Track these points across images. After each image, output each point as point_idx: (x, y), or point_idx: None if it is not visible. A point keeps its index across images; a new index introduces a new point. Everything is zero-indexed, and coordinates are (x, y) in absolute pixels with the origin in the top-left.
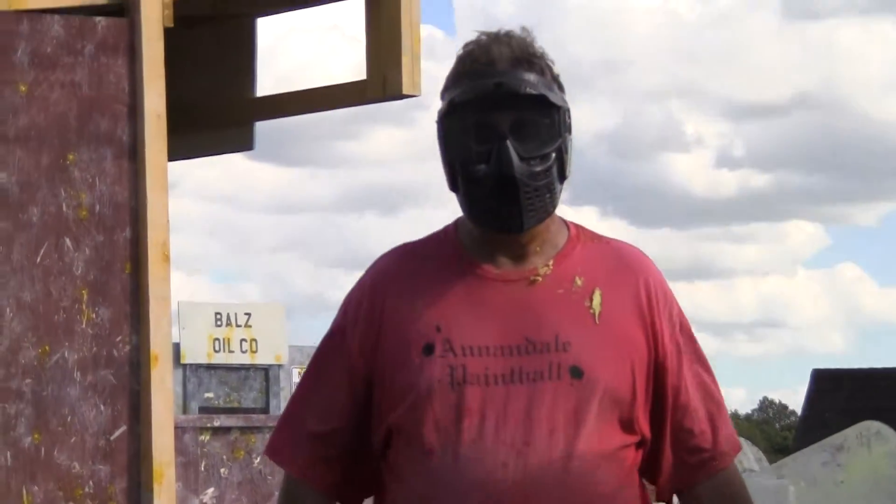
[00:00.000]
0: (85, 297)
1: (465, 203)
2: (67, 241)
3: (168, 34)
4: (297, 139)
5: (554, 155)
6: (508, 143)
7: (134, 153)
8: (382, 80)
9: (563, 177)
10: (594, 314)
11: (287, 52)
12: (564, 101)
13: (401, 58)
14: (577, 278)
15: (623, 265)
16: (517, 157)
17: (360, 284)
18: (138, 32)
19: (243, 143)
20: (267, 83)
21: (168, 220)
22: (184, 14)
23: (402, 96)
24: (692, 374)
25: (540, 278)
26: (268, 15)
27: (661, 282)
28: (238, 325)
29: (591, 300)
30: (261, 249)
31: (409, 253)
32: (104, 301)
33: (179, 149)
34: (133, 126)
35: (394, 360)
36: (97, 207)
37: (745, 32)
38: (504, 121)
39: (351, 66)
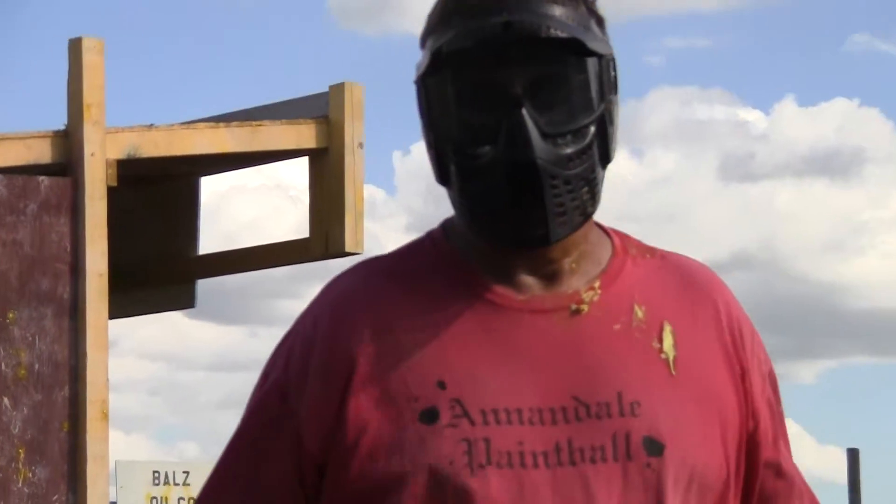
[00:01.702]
0: (22, 455)
1: (462, 203)
2: (5, 399)
3: (111, 193)
4: (239, 297)
5: (593, 129)
6: (525, 112)
7: (75, 311)
8: (325, 239)
9: (605, 160)
10: (668, 360)
11: (230, 211)
12: (609, 47)
13: (344, 216)
14: (636, 308)
15: (692, 287)
16: (539, 133)
17: (309, 319)
18: (81, 192)
19: (185, 301)
20: (209, 242)
21: (107, 379)
22: (128, 173)
23: (344, 254)
24: (787, 448)
25: (586, 307)
26: (211, 174)
27: (742, 311)
28: (176, 484)
29: (661, 339)
30: (201, 407)
31: (380, 272)
32: (41, 460)
33: (121, 307)
34: (74, 285)
35: (372, 436)
36: (36, 366)
37: (685, 194)
38: (518, 79)
39: (293, 224)
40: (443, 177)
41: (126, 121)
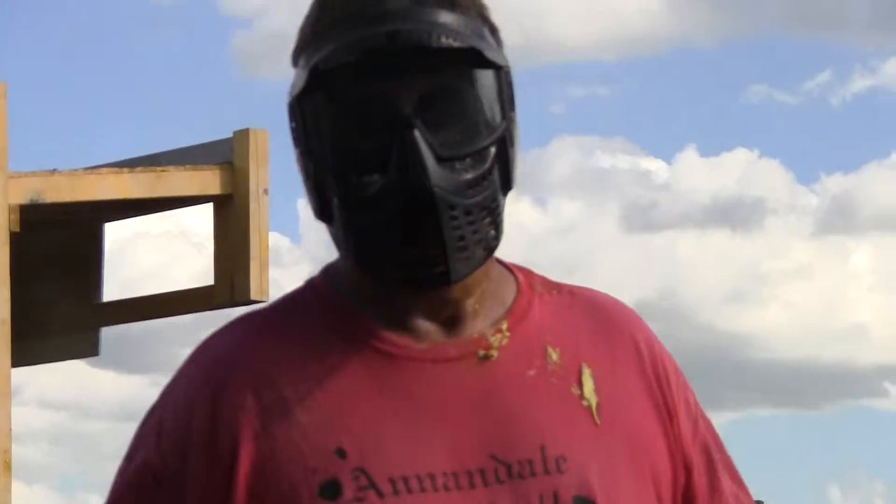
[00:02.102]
0: None
1: (347, 240)
2: None
3: (14, 239)
4: (143, 346)
5: (493, 151)
6: (417, 133)
7: None
8: (230, 286)
9: (507, 187)
10: (590, 407)
11: (134, 258)
12: (505, 59)
13: (249, 263)
14: (550, 350)
15: (608, 324)
16: (434, 157)
17: (181, 388)
18: None
19: (89, 349)
20: (113, 289)
21: (10, 428)
22: (31, 219)
23: (249, 302)
24: (732, 497)
25: (495, 353)
26: (115, 220)
27: (663, 347)
28: None
29: (581, 384)
30: (105, 457)
31: (257, 327)
32: None
33: (23, 355)
34: None
35: None
36: None
37: (588, 243)
38: (407, 97)
39: (198, 272)
40: (323, 211)
41: (29, 165)
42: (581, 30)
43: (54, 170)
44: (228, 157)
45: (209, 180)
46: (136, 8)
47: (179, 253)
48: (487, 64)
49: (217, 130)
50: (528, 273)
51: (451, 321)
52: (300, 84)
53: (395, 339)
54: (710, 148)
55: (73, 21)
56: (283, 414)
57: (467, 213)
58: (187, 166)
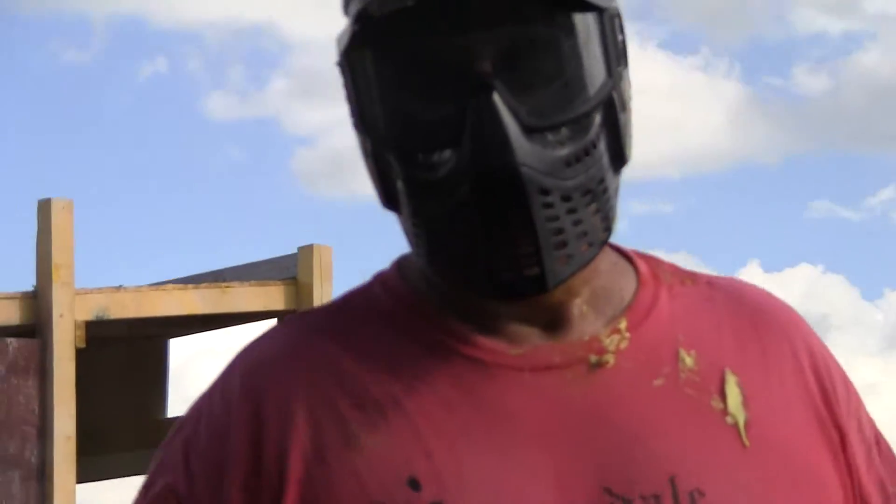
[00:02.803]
0: None
1: (416, 236)
2: None
3: (79, 355)
4: None
5: (599, 118)
6: (497, 97)
7: (42, 475)
8: None
9: (619, 161)
10: (736, 425)
11: (198, 374)
12: (612, 1)
13: None
14: (683, 353)
15: (760, 323)
16: (519, 126)
17: (216, 400)
18: (50, 353)
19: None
20: (178, 405)
21: None
22: (96, 335)
23: None
24: None
25: (611, 358)
26: (180, 336)
27: (832, 356)
28: None
29: (724, 396)
30: None
31: (313, 329)
32: None
33: (89, 471)
34: (42, 448)
35: None
36: None
37: None
38: (486, 51)
39: None
40: (389, 198)
41: (95, 281)
42: (645, 147)
43: (120, 286)
44: (293, 272)
45: (274, 296)
46: (200, 125)
47: None
48: (587, 6)
49: (281, 247)
50: (652, 260)
51: (554, 323)
52: (347, 36)
53: (485, 342)
54: (774, 263)
55: (137, 139)
56: (343, 435)
57: (565, 198)
58: (252, 282)
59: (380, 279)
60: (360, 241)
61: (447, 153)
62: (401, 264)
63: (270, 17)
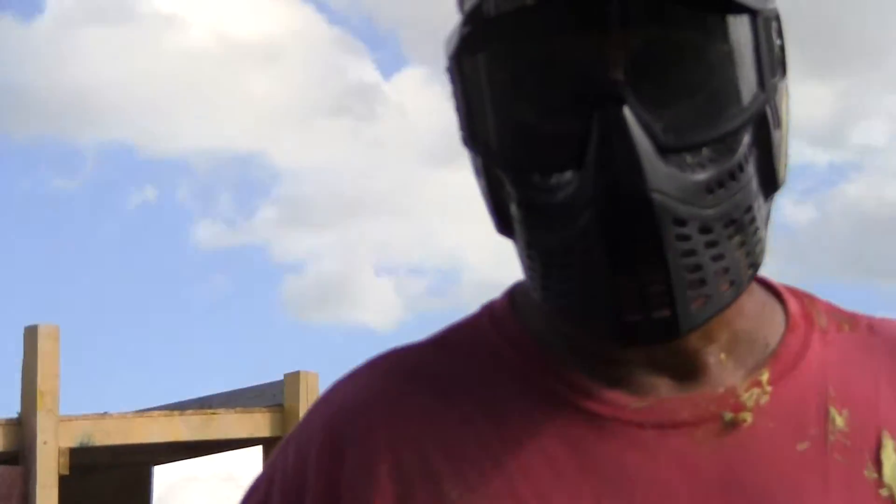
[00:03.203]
0: None
1: (531, 270)
2: None
3: (63, 482)
4: None
5: (748, 137)
6: (628, 111)
7: None
8: None
9: (771, 186)
10: (892, 498)
11: (183, 501)
12: (769, 1)
13: None
14: (833, 412)
15: None
16: (653, 146)
17: (291, 453)
18: (33, 481)
19: None
20: None
21: None
22: (80, 462)
23: None
24: None
25: (748, 416)
26: (164, 463)
27: None
28: None
29: (879, 463)
30: None
31: (407, 373)
32: None
33: None
34: None
35: None
36: None
37: None
38: (616, 56)
39: None
40: (503, 221)
41: (80, 408)
42: None
43: (105, 413)
44: (279, 399)
45: (260, 423)
46: (188, 254)
47: (227, 497)
48: (740, 7)
49: (268, 373)
50: (805, 298)
51: (685, 372)
52: (457, 37)
53: (604, 393)
54: None
55: (125, 267)
56: (434, 493)
57: (704, 229)
58: (238, 409)
59: (489, 310)
60: (347, 367)
61: (568, 175)
62: (514, 294)
63: (259, 145)
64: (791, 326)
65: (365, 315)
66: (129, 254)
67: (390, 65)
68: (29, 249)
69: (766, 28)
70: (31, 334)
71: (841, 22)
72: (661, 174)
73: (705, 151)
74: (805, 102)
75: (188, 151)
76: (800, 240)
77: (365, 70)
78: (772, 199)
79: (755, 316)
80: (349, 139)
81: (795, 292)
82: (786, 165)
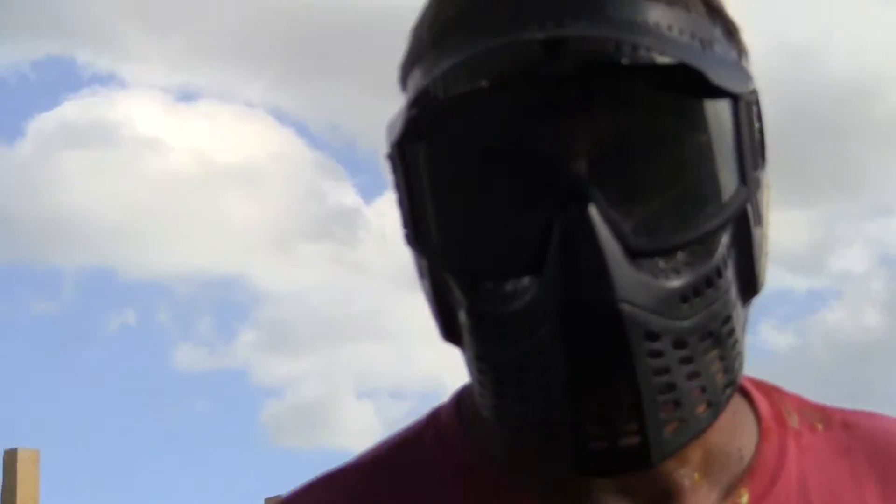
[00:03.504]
0: None
1: (481, 386)
2: None
3: None
4: None
5: (726, 238)
6: (594, 210)
7: None
8: None
9: (750, 291)
10: None
11: None
12: (749, 78)
13: None
14: None
15: None
16: (621, 249)
17: None
18: None
19: None
20: None
21: None
22: None
23: None
24: None
25: None
26: None
27: None
28: None
29: None
30: None
31: (347, 490)
32: None
33: None
34: None
35: None
36: None
37: None
38: (579, 146)
39: None
40: (449, 329)
41: None
42: None
43: None
44: None
45: None
46: (168, 377)
47: None
48: (715, 90)
49: (248, 498)
50: (773, 394)
51: (657, 498)
52: (402, 122)
53: None
54: None
55: (105, 390)
56: None
57: (679, 343)
58: None
59: (434, 423)
60: None
61: (525, 281)
62: (462, 400)
63: (239, 269)
64: (764, 432)
65: (346, 439)
66: (109, 377)
67: (371, 189)
68: (8, 373)
69: (748, 113)
70: (10, 458)
71: (820, 149)
72: (630, 282)
73: (680, 255)
74: (785, 229)
75: (168, 274)
76: (779, 366)
77: (346, 194)
78: (749, 304)
79: (727, 426)
80: (330, 263)
81: (762, 387)
82: (765, 267)
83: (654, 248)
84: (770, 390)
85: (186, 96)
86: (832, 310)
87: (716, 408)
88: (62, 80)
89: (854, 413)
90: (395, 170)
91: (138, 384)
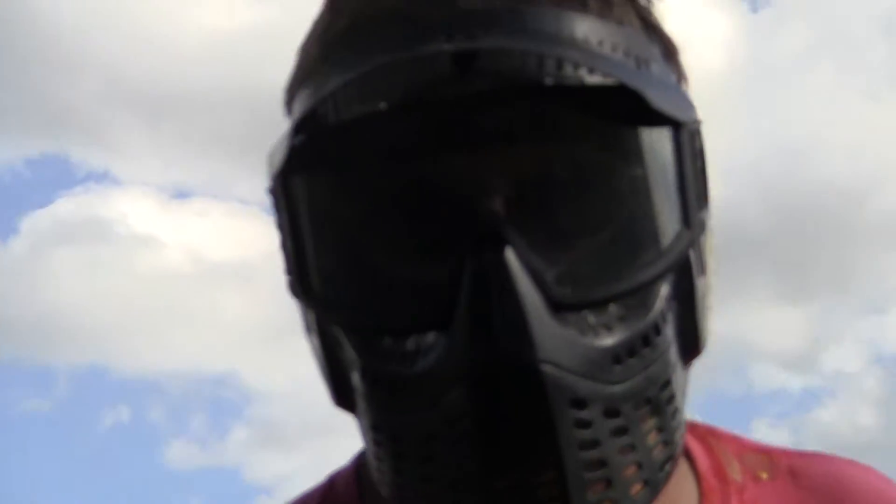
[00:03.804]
0: None
1: (377, 458)
2: None
3: None
4: None
5: (665, 289)
6: (510, 255)
7: None
8: None
9: (692, 351)
10: None
11: None
12: (691, 105)
13: None
14: None
15: None
16: (543, 302)
17: None
18: None
19: None
20: None
21: None
22: None
23: None
24: None
25: None
26: None
27: None
28: None
29: None
30: None
31: None
32: None
33: None
34: None
35: None
36: None
37: None
38: (494, 181)
39: None
40: (340, 392)
41: None
42: None
43: None
44: None
45: None
46: (160, 475)
47: None
48: (655, 117)
49: None
50: (710, 439)
51: None
52: (285, 149)
53: None
54: None
55: (97, 488)
56: None
57: (611, 412)
58: None
59: (329, 494)
60: None
61: (430, 338)
62: (362, 470)
63: (231, 366)
64: (705, 494)
65: None
66: (102, 474)
67: None
68: (1, 470)
69: (691, 145)
70: None
71: (814, 248)
72: (554, 339)
73: (613, 308)
74: (779, 327)
75: (161, 371)
76: None
77: None
78: (690, 367)
79: (663, 493)
80: None
81: (696, 431)
82: (709, 323)
83: (582, 300)
84: (705, 434)
85: (180, 193)
86: (826, 408)
87: (654, 487)
88: (56, 177)
89: (801, 456)
90: (277, 206)
91: (131, 481)
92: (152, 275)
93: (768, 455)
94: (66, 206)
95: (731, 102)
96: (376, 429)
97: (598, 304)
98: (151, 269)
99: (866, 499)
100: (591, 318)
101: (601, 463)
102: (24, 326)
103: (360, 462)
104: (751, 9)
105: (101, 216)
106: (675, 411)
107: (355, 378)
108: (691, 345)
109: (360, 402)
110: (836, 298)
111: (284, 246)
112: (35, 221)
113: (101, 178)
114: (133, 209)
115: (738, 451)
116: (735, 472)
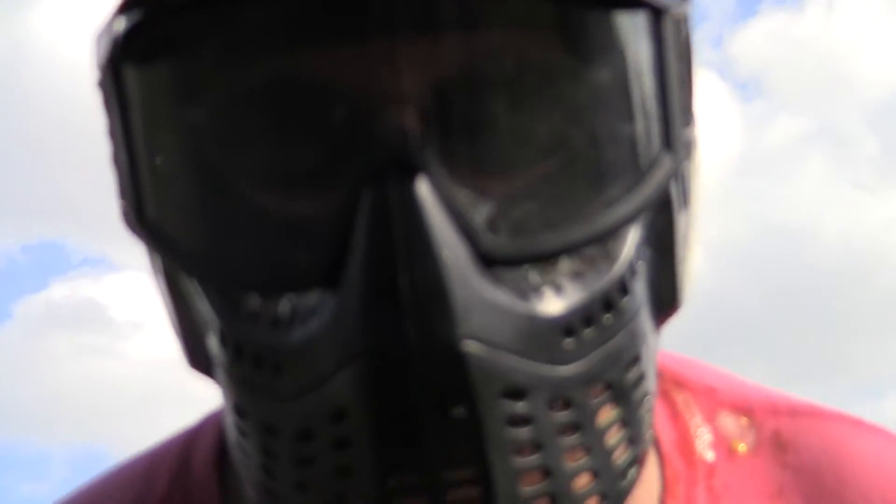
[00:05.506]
0: None
1: (241, 448)
2: None
3: None
4: None
5: (635, 236)
6: (423, 188)
7: None
8: None
9: (666, 309)
10: None
11: None
12: None
13: None
14: None
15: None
16: (470, 253)
17: None
18: None
19: None
20: None
21: None
22: None
23: None
24: None
25: None
26: None
27: None
28: None
29: None
30: None
31: None
32: None
33: None
34: None
35: None
36: None
37: None
38: (407, 85)
39: None
40: (195, 355)
41: None
42: None
43: None
44: None
45: None
46: None
47: None
48: (636, 1)
49: None
50: (681, 411)
51: None
52: (121, 30)
53: None
54: None
55: None
56: None
57: (556, 403)
58: None
59: (183, 476)
60: None
61: (311, 298)
62: (224, 442)
63: None
64: (667, 482)
65: None
66: None
67: None
68: None
69: (676, 39)
70: None
71: (810, 332)
72: (482, 306)
73: (564, 263)
74: None
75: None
76: None
77: None
78: (660, 329)
79: None
80: None
81: (662, 384)
82: (691, 272)
83: (522, 251)
84: (670, 386)
85: None
86: None
87: (613, 501)
88: (52, 262)
89: (793, 415)
90: (107, 105)
91: None
92: (148, 359)
93: (750, 414)
94: (60, 291)
95: (726, 192)
96: (240, 413)
97: (545, 257)
98: (147, 353)
99: (867, 484)
100: (534, 275)
101: (543, 472)
102: (19, 409)
103: (223, 439)
104: (743, 98)
105: (95, 301)
106: (644, 397)
107: (212, 342)
108: (667, 300)
109: (220, 375)
110: (832, 382)
111: (117, 160)
112: (29, 306)
113: (97, 263)
114: (126, 293)
115: (712, 411)
116: (705, 447)
